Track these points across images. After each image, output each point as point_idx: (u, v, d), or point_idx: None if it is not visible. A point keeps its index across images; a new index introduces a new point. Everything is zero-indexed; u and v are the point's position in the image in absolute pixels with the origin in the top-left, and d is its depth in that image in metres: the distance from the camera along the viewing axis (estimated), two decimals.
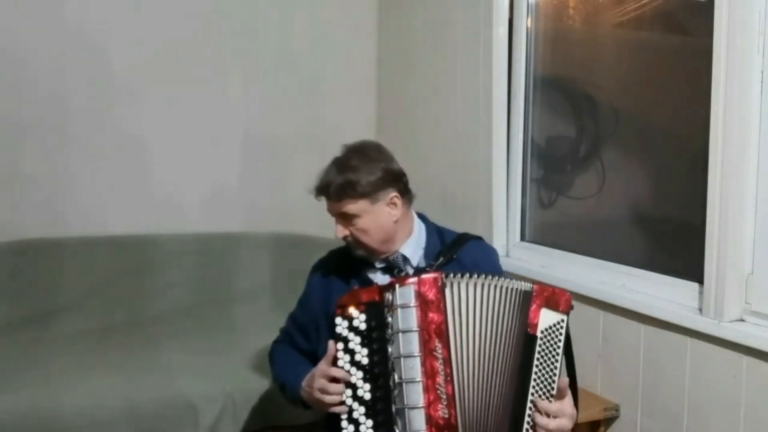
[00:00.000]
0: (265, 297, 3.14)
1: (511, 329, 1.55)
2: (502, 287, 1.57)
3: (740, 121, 1.86)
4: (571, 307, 1.58)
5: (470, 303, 1.56)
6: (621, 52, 2.56)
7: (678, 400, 2.06)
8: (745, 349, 1.86)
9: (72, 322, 2.91)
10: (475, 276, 1.57)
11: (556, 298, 1.56)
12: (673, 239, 2.33)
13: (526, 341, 1.53)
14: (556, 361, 1.54)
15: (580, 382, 2.33)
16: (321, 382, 1.61)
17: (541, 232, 2.80)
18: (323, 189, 1.71)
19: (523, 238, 2.83)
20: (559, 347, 1.54)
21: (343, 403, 1.59)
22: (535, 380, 1.52)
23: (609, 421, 2.29)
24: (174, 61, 3.26)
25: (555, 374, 1.53)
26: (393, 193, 1.73)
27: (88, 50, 3.13)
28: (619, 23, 2.51)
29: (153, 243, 3.17)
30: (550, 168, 2.80)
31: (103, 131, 3.19)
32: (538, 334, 1.53)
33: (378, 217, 1.71)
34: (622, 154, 2.55)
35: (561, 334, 1.55)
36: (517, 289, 1.57)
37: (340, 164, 1.71)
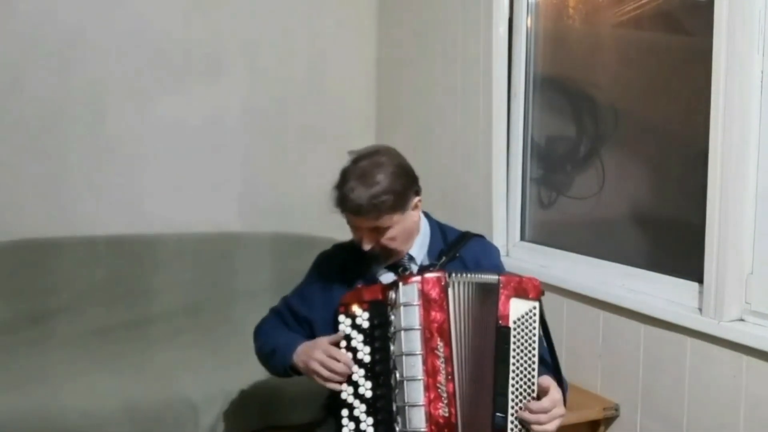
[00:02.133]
0: (265, 297, 3.12)
1: (487, 324, 1.55)
2: (472, 283, 1.57)
3: (740, 121, 1.86)
4: (542, 293, 1.57)
5: (471, 302, 1.56)
6: (621, 52, 2.56)
7: (678, 399, 2.06)
8: (745, 348, 1.86)
9: (72, 322, 2.91)
10: (473, 275, 1.58)
11: (525, 285, 1.57)
12: (673, 239, 2.33)
13: (500, 334, 1.53)
14: (534, 348, 1.54)
15: (580, 382, 2.35)
16: (322, 356, 1.60)
17: (541, 231, 2.80)
18: (356, 209, 1.62)
19: (523, 238, 2.83)
20: (534, 335, 1.54)
21: (340, 383, 1.59)
22: (514, 371, 1.52)
23: (609, 420, 2.29)
24: (174, 60, 3.26)
25: (534, 362, 1.53)
26: (416, 198, 1.71)
27: (86, 50, 3.12)
28: (619, 23, 2.51)
29: (153, 243, 3.16)
30: (550, 168, 2.80)
31: (103, 131, 3.18)
32: (511, 325, 1.53)
33: (406, 224, 1.70)
34: (622, 154, 2.55)
35: (535, 321, 1.55)
36: (484, 283, 1.57)
37: (364, 181, 1.63)
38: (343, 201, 1.64)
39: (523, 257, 2.76)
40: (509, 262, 2.70)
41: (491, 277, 1.57)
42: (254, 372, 2.43)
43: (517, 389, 1.52)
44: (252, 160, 3.43)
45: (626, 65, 2.52)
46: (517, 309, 1.55)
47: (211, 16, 3.32)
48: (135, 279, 3.09)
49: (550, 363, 1.62)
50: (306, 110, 3.50)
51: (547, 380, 1.55)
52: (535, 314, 1.55)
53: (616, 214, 2.54)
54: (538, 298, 1.56)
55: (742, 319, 1.92)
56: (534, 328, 1.55)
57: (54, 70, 3.09)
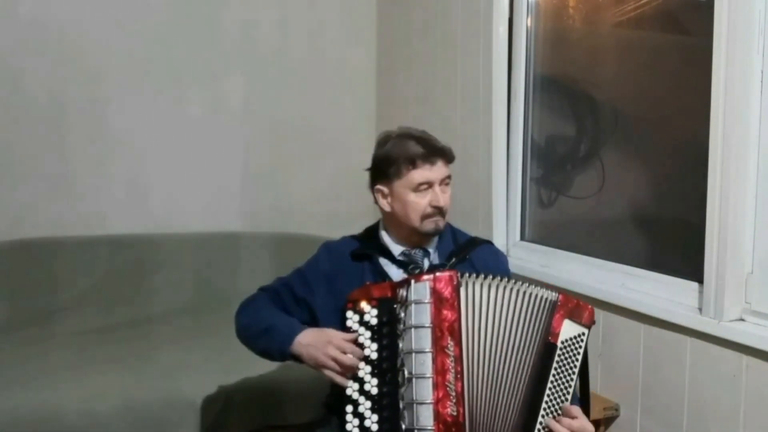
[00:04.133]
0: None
1: (531, 335, 1.55)
2: (527, 293, 1.57)
3: (740, 121, 1.86)
4: (593, 321, 1.58)
5: (485, 304, 1.56)
6: (621, 52, 2.56)
7: (678, 399, 2.06)
8: (745, 348, 1.86)
9: (72, 321, 2.92)
10: (491, 278, 1.58)
11: (580, 310, 1.57)
12: (673, 239, 2.33)
13: (545, 349, 1.53)
14: (573, 372, 1.54)
15: None
16: (335, 352, 1.58)
17: (541, 231, 2.80)
18: (440, 151, 1.73)
19: (522, 238, 2.83)
20: (577, 359, 1.55)
21: (349, 377, 1.58)
22: (550, 389, 1.52)
23: (609, 420, 2.29)
24: (174, 60, 3.27)
25: (570, 385, 1.53)
26: None
27: (87, 50, 3.13)
28: (619, 23, 2.51)
29: (153, 243, 3.17)
30: (550, 167, 2.80)
31: (103, 131, 3.19)
32: (559, 344, 1.53)
33: None
34: (622, 153, 2.55)
35: (581, 346, 1.56)
36: (543, 297, 1.57)
37: (428, 134, 1.78)
38: (426, 144, 1.73)
39: (523, 257, 2.76)
40: (509, 262, 2.69)
41: (552, 294, 1.58)
42: (254, 372, 2.45)
43: (548, 407, 1.52)
44: (252, 161, 3.43)
45: (626, 65, 2.52)
46: (567, 330, 1.55)
47: (212, 16, 3.32)
48: (135, 279, 3.10)
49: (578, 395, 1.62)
50: (306, 110, 3.50)
51: (578, 411, 1.54)
52: (582, 340, 1.56)
53: (616, 214, 2.54)
54: (589, 326, 1.57)
55: (742, 319, 1.92)
56: (578, 353, 1.55)
57: (54, 71, 3.09)
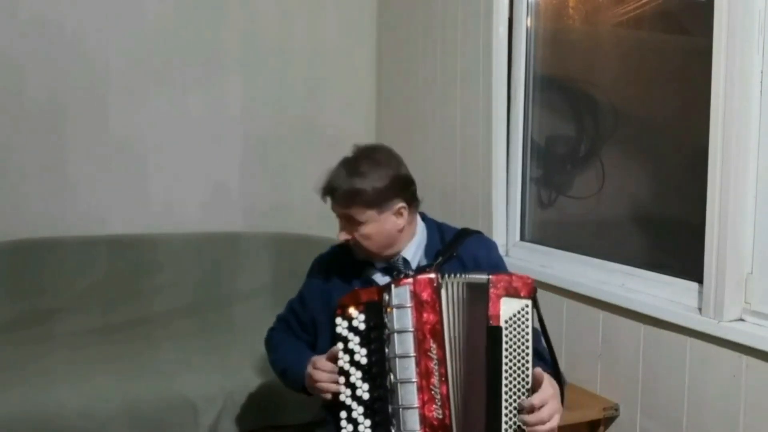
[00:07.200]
0: (265, 297, 3.14)
1: (478, 324, 1.53)
2: (464, 283, 1.55)
3: (740, 121, 1.86)
4: (534, 290, 1.54)
5: (461, 302, 1.55)
6: (621, 52, 2.56)
7: (677, 399, 2.06)
8: (744, 348, 1.86)
9: (72, 321, 2.91)
10: (464, 275, 1.57)
11: (515, 284, 1.54)
12: (673, 239, 2.33)
13: (491, 334, 1.51)
14: (527, 348, 1.51)
15: (580, 382, 2.35)
16: (312, 371, 1.64)
17: (541, 231, 2.80)
18: (330, 191, 1.67)
19: (522, 238, 2.83)
20: (527, 333, 1.52)
21: (337, 395, 1.60)
22: (506, 371, 1.50)
23: (608, 420, 2.29)
24: (174, 60, 3.27)
25: (528, 360, 1.51)
26: (400, 204, 1.69)
27: (87, 50, 3.13)
28: (619, 23, 2.51)
29: (153, 243, 3.17)
30: (550, 167, 2.81)
31: (103, 131, 3.19)
32: (503, 324, 1.51)
33: (383, 226, 1.68)
34: (622, 153, 2.55)
35: (528, 320, 1.52)
36: (472, 282, 1.55)
37: (350, 168, 1.67)
38: (324, 181, 1.69)
39: (523, 257, 2.76)
40: (509, 262, 2.69)
41: (480, 277, 1.55)
42: (254, 372, 2.45)
43: (510, 389, 1.50)
44: (252, 160, 3.43)
45: (626, 65, 2.52)
46: (508, 308, 1.52)
47: (212, 17, 3.32)
48: (135, 279, 3.10)
49: (548, 360, 1.61)
50: (306, 110, 3.51)
51: (540, 374, 1.51)
52: (527, 312, 1.53)
53: (616, 214, 2.54)
54: (530, 296, 1.54)
55: (742, 319, 1.92)
56: (527, 327, 1.52)
57: (54, 70, 3.09)
